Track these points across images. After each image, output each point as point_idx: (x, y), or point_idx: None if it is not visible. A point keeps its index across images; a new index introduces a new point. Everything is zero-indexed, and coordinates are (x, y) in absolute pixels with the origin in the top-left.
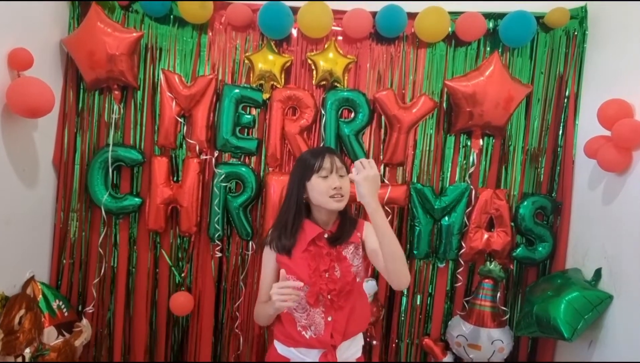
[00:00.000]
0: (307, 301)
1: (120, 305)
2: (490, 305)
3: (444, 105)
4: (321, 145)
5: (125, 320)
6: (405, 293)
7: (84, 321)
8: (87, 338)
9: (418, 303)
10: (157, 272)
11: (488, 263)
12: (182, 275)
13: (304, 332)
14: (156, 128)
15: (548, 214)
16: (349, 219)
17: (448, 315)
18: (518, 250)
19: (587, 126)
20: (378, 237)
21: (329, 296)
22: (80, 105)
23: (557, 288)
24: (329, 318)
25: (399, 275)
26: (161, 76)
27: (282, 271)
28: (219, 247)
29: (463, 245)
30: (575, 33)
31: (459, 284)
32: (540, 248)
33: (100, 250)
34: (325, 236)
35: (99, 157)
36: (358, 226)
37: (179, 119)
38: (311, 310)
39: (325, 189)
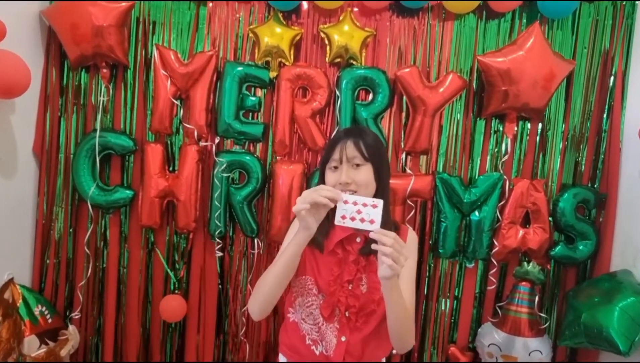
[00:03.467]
0: (321, 312)
1: (110, 310)
2: (528, 311)
3: (474, 85)
4: (337, 128)
5: (117, 327)
6: (429, 296)
7: (71, 328)
8: (75, 346)
9: (443, 307)
10: (151, 274)
11: (525, 263)
12: (179, 276)
13: (313, 347)
14: (149, 111)
15: (590, 209)
16: (389, 222)
17: (477, 322)
18: (557, 249)
19: (637, 108)
20: (386, 305)
21: (346, 313)
22: (64, 85)
23: (605, 293)
24: (343, 339)
25: (404, 342)
26: (155, 53)
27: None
28: (220, 246)
29: (495, 242)
30: (623, 3)
31: (492, 287)
32: (581, 247)
33: (87, 250)
34: (358, 239)
35: (85, 144)
36: (401, 232)
37: (175, 101)
38: (323, 324)
39: (332, 183)
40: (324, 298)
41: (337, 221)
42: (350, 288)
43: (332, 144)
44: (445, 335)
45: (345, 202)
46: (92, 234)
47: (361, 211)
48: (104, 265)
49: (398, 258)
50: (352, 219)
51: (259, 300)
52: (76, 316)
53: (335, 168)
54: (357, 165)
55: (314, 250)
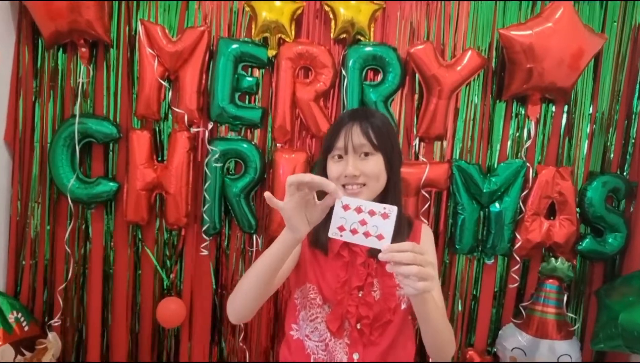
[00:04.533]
0: (327, 326)
1: (95, 315)
2: (555, 311)
3: (493, 64)
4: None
5: (103, 334)
6: (445, 296)
7: (51, 336)
8: (56, 355)
9: (460, 308)
10: (139, 274)
11: (552, 259)
12: (171, 277)
13: None
14: (134, 95)
15: (620, 199)
16: (402, 218)
17: (496, 323)
18: (585, 242)
19: None
20: (420, 322)
21: (358, 326)
22: (38, 67)
23: None
24: (355, 356)
25: (446, 354)
26: (140, 29)
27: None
28: (206, 243)
29: (517, 236)
30: None
31: (514, 285)
32: (610, 240)
33: (67, 249)
34: None
35: (63, 132)
36: (414, 230)
37: (163, 83)
38: (331, 340)
39: (335, 175)
40: (330, 309)
41: (333, 233)
42: (360, 295)
43: (335, 130)
44: (462, 337)
45: (346, 207)
46: (72, 231)
47: (366, 221)
48: (87, 266)
49: (427, 274)
50: (354, 232)
51: (237, 303)
52: (55, 323)
53: (340, 157)
54: (366, 154)
55: (317, 253)
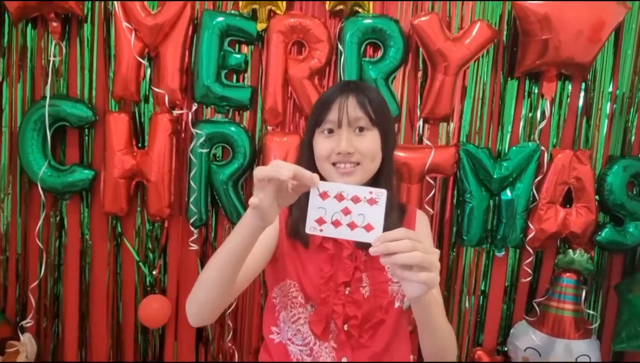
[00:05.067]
0: (311, 328)
1: (72, 314)
2: (573, 307)
3: (504, 38)
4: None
5: (81, 335)
6: (451, 292)
7: (24, 337)
8: (31, 358)
9: (467, 305)
10: (120, 270)
11: (570, 251)
12: (154, 272)
13: None
14: (111, 74)
15: None
16: (393, 204)
17: (507, 320)
18: (604, 232)
19: None
20: (421, 328)
21: (345, 327)
22: (4, 45)
23: None
24: (344, 360)
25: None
26: (115, 1)
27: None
28: (193, 237)
29: (531, 226)
30: None
31: (526, 279)
32: (631, 229)
33: (39, 243)
34: None
35: (32, 115)
36: (407, 216)
37: (142, 61)
38: (316, 344)
39: (325, 152)
40: (313, 309)
41: (310, 228)
42: (347, 292)
43: (327, 102)
44: (470, 336)
45: (324, 195)
46: (45, 224)
47: (350, 210)
48: (62, 261)
49: (431, 263)
50: (336, 224)
51: (197, 302)
52: (28, 324)
53: (331, 132)
54: (361, 129)
55: (297, 245)
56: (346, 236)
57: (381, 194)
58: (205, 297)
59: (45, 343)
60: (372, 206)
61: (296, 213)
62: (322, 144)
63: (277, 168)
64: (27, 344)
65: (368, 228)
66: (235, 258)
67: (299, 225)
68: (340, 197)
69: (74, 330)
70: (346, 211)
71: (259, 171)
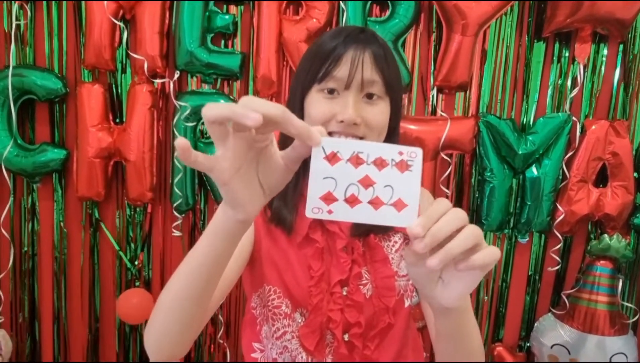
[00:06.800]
0: (302, 343)
1: (46, 309)
2: (608, 300)
3: None
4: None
5: (57, 331)
6: None
7: None
8: (6, 356)
9: (486, 297)
10: (97, 261)
11: (606, 236)
12: (137, 263)
13: None
14: (83, 39)
15: None
16: None
17: (530, 313)
18: None
19: None
20: (448, 340)
21: (345, 337)
22: None
23: None
24: None
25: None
26: None
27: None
28: (179, 222)
29: (559, 208)
30: None
31: (554, 268)
32: None
33: (5, 233)
34: None
35: None
36: None
37: (118, 23)
38: (308, 360)
39: (324, 117)
40: (303, 319)
41: (313, 209)
42: (345, 293)
43: (333, 52)
44: (489, 331)
45: (332, 158)
46: (15, 210)
47: (373, 179)
48: (34, 251)
49: (480, 235)
50: (352, 201)
51: (153, 332)
52: None
53: (331, 93)
54: (370, 96)
55: (279, 237)
56: (367, 219)
57: (415, 154)
58: (166, 324)
59: (22, 340)
60: (404, 173)
61: (278, 202)
62: (321, 107)
63: (243, 107)
64: (1, 341)
65: (399, 205)
66: (206, 269)
67: (281, 208)
68: (357, 160)
69: (49, 325)
70: (367, 182)
71: (208, 110)
